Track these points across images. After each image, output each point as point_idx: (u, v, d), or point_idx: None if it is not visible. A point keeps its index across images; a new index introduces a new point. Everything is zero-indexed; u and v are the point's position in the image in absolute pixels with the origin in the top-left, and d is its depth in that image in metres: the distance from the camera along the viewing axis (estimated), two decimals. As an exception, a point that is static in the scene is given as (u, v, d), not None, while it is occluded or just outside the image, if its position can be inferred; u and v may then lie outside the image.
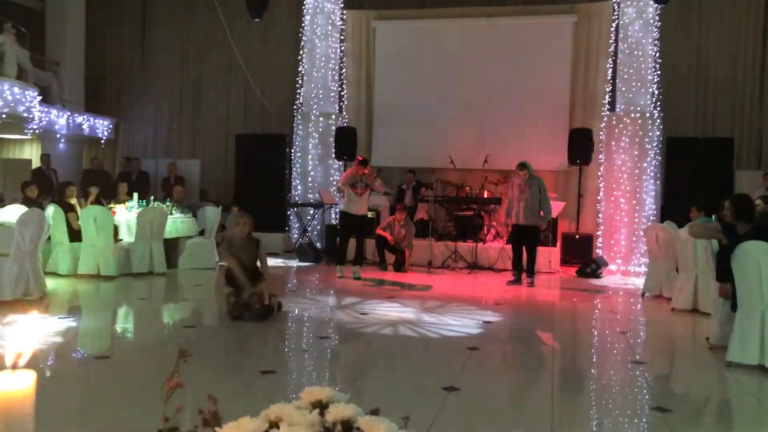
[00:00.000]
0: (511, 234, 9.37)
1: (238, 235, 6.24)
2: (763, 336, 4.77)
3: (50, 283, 7.54)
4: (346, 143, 11.77)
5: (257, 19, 10.90)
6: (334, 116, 12.56)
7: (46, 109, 12.52)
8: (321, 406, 1.12)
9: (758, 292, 4.80)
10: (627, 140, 11.11)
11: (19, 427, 0.98)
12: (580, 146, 11.05)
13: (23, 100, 11.21)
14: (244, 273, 6.12)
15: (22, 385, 0.99)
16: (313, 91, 12.56)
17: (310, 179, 12.44)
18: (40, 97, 12.00)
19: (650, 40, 11.18)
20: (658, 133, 11.18)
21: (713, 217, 7.21)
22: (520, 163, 9.00)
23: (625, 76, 11.24)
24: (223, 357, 5.19)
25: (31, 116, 11.57)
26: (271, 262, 11.02)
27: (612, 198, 11.20)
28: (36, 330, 4.92)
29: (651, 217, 10.96)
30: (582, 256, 10.65)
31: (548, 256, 10.38)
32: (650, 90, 11.20)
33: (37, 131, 12.63)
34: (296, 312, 6.91)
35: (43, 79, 12.97)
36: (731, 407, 4.40)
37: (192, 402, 1.26)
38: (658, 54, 11.32)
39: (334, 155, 12.20)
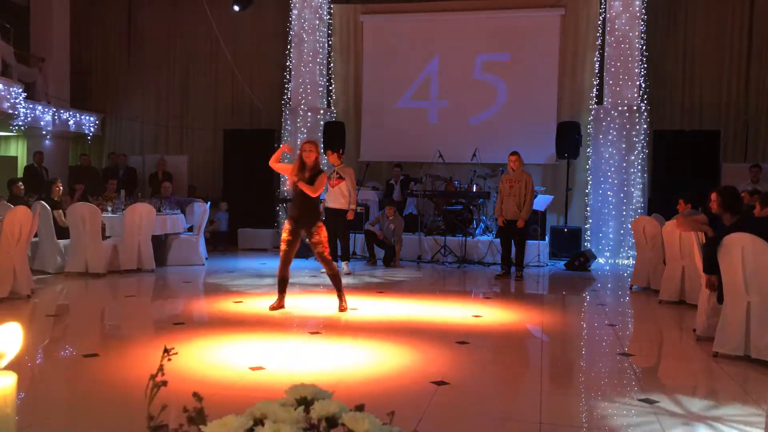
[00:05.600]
0: (500, 228, 9.42)
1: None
2: (748, 327, 4.82)
3: (38, 280, 7.49)
4: (334, 138, 11.74)
5: (237, 9, 10.83)
6: (322, 111, 12.54)
7: (31, 106, 12.40)
8: (306, 403, 1.12)
9: (743, 284, 4.84)
10: (614, 133, 11.16)
11: (1, 427, 0.97)
12: (568, 140, 11.11)
13: (8, 96, 11.10)
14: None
15: (3, 385, 0.98)
16: (301, 85, 12.53)
17: (298, 174, 12.38)
18: (25, 94, 11.89)
19: (637, 33, 11.22)
20: (645, 126, 11.24)
21: (700, 209, 7.26)
22: (512, 151, 9.10)
23: (612, 70, 11.28)
24: (213, 353, 5.17)
25: (16, 113, 11.46)
26: (261, 258, 11.02)
27: (600, 191, 11.25)
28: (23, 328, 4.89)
29: (638, 210, 11.03)
30: (570, 249, 10.70)
31: (537, 249, 10.43)
32: (637, 83, 11.25)
33: (22, 128, 12.52)
34: (286, 308, 6.90)
35: (28, 75, 12.85)
36: (718, 398, 4.44)
37: (180, 400, 1.26)
38: (645, 47, 11.37)
39: (322, 150, 12.17)
